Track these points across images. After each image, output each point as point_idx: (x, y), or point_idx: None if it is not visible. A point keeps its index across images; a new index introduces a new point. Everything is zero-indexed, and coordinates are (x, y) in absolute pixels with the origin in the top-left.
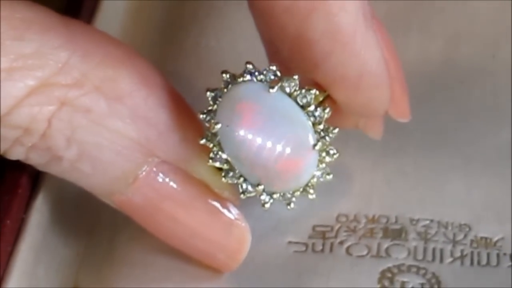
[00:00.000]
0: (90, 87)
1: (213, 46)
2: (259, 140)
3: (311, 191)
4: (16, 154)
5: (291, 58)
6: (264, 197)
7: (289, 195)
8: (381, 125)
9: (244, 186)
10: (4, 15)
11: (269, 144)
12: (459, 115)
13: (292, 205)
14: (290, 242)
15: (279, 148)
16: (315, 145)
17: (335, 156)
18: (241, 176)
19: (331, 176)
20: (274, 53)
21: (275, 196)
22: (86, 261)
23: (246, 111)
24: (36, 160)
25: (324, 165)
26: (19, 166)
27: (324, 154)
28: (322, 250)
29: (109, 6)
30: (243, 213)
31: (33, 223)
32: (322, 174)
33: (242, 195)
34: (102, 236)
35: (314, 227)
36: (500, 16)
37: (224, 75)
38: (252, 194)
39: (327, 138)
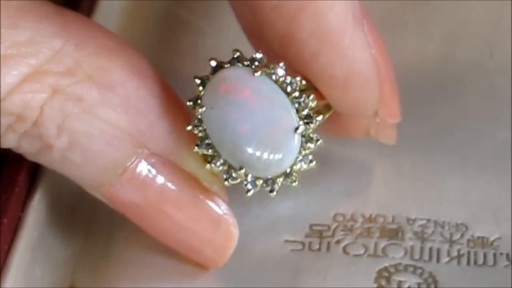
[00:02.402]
0: (82, 76)
1: (210, 46)
2: (241, 122)
3: (294, 178)
4: (8, 141)
5: (281, 56)
6: (247, 183)
7: (271, 182)
8: (394, 130)
9: (229, 172)
10: None
11: (251, 126)
12: (456, 115)
13: (274, 192)
14: (287, 241)
15: (261, 130)
16: (296, 128)
17: (318, 143)
18: (225, 162)
19: (314, 163)
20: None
21: (258, 183)
22: (83, 260)
23: (229, 93)
24: (27, 148)
25: (307, 151)
26: (17, 165)
27: (307, 140)
28: (319, 249)
29: (106, 6)
30: (240, 212)
31: (30, 222)
32: (305, 161)
33: (226, 182)
34: (98, 236)
35: (311, 226)
36: (497, 15)
37: (212, 62)
38: (237, 181)
39: (310, 124)
